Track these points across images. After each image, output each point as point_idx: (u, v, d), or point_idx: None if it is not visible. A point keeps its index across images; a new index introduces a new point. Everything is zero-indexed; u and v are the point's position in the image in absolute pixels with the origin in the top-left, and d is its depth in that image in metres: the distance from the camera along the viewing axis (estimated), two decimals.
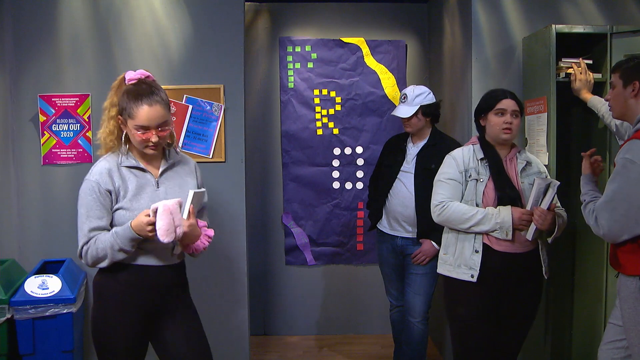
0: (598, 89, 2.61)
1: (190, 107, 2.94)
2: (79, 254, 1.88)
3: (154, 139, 1.85)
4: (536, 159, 2.39)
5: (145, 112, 1.82)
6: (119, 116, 1.88)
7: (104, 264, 1.85)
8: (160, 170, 1.96)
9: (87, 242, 1.85)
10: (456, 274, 2.28)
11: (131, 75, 1.90)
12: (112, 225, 1.89)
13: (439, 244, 2.75)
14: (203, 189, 2.02)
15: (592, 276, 2.68)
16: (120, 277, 1.90)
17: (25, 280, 2.60)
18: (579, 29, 2.58)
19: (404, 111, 2.79)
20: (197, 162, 2.90)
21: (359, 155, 3.79)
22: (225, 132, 2.96)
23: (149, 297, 1.93)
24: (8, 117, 2.91)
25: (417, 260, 2.80)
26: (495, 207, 2.23)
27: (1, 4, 2.87)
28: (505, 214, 2.20)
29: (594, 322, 2.65)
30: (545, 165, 2.49)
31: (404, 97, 2.82)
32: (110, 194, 1.87)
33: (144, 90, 1.85)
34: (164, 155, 1.99)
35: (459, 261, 2.27)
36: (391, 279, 3.01)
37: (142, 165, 1.93)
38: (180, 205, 1.83)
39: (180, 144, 2.93)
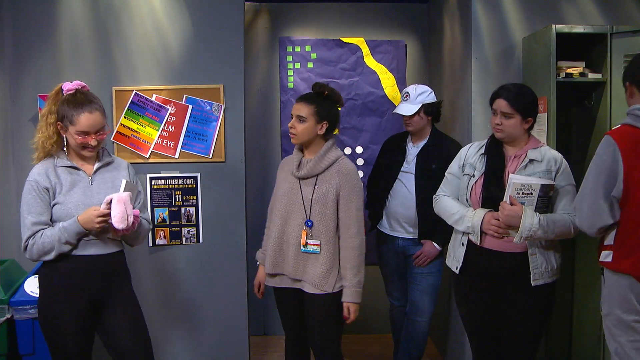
0: (598, 89, 2.62)
1: (190, 107, 2.94)
2: (23, 248, 2.05)
3: (93, 142, 2.06)
4: (553, 156, 2.21)
5: (85, 118, 2.03)
6: (59, 122, 2.06)
7: (49, 257, 2.04)
8: (94, 168, 2.16)
9: (31, 236, 2.04)
10: (450, 263, 2.37)
11: (69, 86, 2.09)
12: (52, 220, 2.07)
13: (440, 244, 2.77)
14: (135, 184, 2.23)
15: (592, 276, 2.68)
16: (60, 267, 2.08)
17: (25, 280, 2.61)
18: (579, 29, 2.58)
19: (406, 109, 2.79)
20: (197, 162, 2.94)
21: (359, 155, 3.79)
22: (225, 132, 2.96)
23: (89, 284, 2.09)
24: (8, 117, 2.91)
25: (419, 262, 2.80)
26: (480, 204, 2.23)
27: (1, 4, 2.87)
28: (477, 218, 2.19)
29: (594, 322, 2.65)
30: None
31: (406, 96, 2.81)
32: (48, 191, 2.07)
33: (82, 99, 2.06)
34: (98, 157, 2.19)
35: (452, 252, 2.36)
36: (392, 280, 3.01)
37: (75, 164, 2.13)
38: (131, 198, 2.04)
39: (180, 144, 2.94)
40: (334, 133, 2.41)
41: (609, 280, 1.96)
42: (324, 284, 2.26)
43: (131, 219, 2.01)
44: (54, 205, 2.07)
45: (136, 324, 2.20)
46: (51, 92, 2.11)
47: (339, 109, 2.41)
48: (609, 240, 1.95)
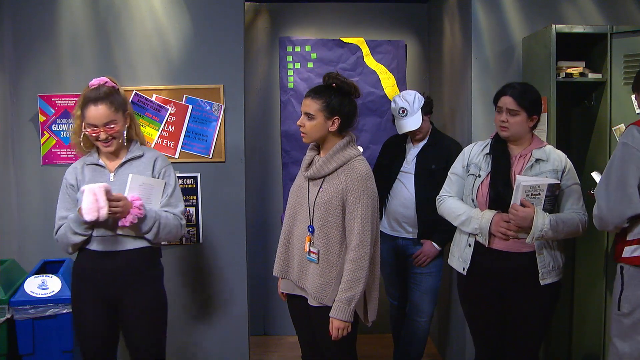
0: (598, 89, 2.62)
1: (190, 107, 2.94)
2: (55, 241, 2.18)
3: (102, 135, 2.10)
4: (558, 156, 2.23)
5: (91, 111, 2.09)
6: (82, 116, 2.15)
7: (70, 249, 2.16)
8: (118, 164, 2.20)
9: (58, 229, 2.16)
10: (455, 265, 2.35)
11: (93, 82, 2.17)
12: None
13: (440, 244, 2.76)
14: (158, 179, 2.23)
15: (592, 276, 2.67)
16: (78, 262, 2.20)
17: (25, 280, 2.60)
18: (579, 29, 2.58)
19: (413, 123, 2.73)
20: (197, 162, 2.93)
21: None
22: (225, 132, 2.96)
23: (101, 280, 2.14)
24: (8, 117, 2.91)
25: (418, 261, 2.80)
26: (488, 205, 2.22)
27: (1, 4, 2.87)
28: (485, 219, 2.17)
29: (594, 321, 2.65)
30: None
31: (403, 111, 2.73)
32: (74, 188, 2.18)
33: (94, 93, 2.11)
34: (127, 151, 2.23)
35: (458, 253, 2.33)
36: (391, 279, 3.01)
37: (100, 162, 2.20)
38: (108, 190, 2.01)
39: (180, 144, 2.94)
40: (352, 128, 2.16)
41: (634, 277, 1.91)
42: (323, 297, 2.04)
43: (103, 211, 1.97)
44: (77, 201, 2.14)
45: (150, 329, 2.20)
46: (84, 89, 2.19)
47: (355, 100, 2.15)
48: (635, 234, 1.91)
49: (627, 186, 1.87)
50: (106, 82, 2.18)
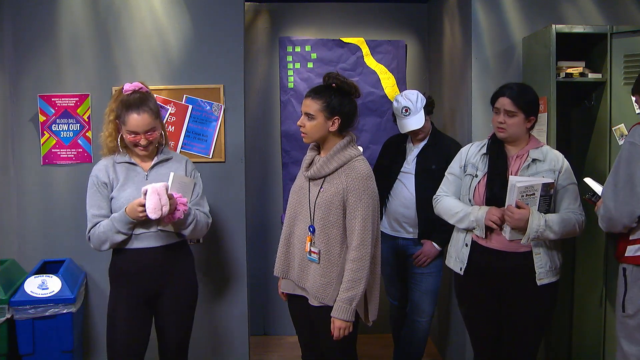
0: (598, 89, 2.62)
1: (190, 107, 2.94)
2: (87, 238, 2.21)
3: (143, 142, 2.18)
4: (555, 155, 2.22)
5: (134, 120, 2.13)
6: (116, 121, 2.19)
7: (105, 246, 2.18)
8: (151, 164, 2.27)
9: (92, 227, 2.18)
10: (452, 265, 2.35)
11: (127, 87, 2.21)
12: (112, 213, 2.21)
13: (440, 244, 2.76)
14: (190, 178, 2.33)
15: (592, 276, 2.68)
16: (116, 262, 2.24)
17: (25, 280, 2.60)
18: (579, 29, 2.58)
19: (416, 122, 2.73)
20: (197, 162, 2.93)
21: None
22: (225, 132, 2.96)
23: (142, 277, 2.20)
24: (8, 117, 2.91)
25: (419, 262, 2.79)
26: (484, 204, 2.22)
27: (1, 4, 2.87)
28: (482, 211, 2.18)
29: (594, 322, 2.65)
30: None
31: (406, 110, 2.73)
32: (107, 186, 2.21)
33: (135, 100, 2.15)
34: (157, 153, 2.30)
35: (455, 253, 2.33)
36: (392, 279, 3.01)
37: (133, 160, 2.25)
38: (167, 188, 2.11)
39: (180, 144, 2.94)
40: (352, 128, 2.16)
41: (638, 278, 1.90)
42: (324, 296, 2.04)
43: (166, 209, 2.06)
44: (111, 199, 2.21)
45: (183, 315, 2.32)
46: (115, 91, 2.25)
47: (355, 100, 2.14)
48: (639, 234, 1.90)
49: (635, 185, 1.86)
50: (141, 87, 2.23)
